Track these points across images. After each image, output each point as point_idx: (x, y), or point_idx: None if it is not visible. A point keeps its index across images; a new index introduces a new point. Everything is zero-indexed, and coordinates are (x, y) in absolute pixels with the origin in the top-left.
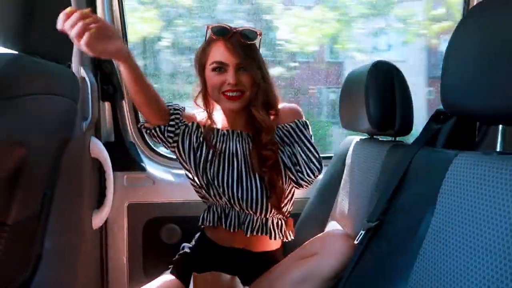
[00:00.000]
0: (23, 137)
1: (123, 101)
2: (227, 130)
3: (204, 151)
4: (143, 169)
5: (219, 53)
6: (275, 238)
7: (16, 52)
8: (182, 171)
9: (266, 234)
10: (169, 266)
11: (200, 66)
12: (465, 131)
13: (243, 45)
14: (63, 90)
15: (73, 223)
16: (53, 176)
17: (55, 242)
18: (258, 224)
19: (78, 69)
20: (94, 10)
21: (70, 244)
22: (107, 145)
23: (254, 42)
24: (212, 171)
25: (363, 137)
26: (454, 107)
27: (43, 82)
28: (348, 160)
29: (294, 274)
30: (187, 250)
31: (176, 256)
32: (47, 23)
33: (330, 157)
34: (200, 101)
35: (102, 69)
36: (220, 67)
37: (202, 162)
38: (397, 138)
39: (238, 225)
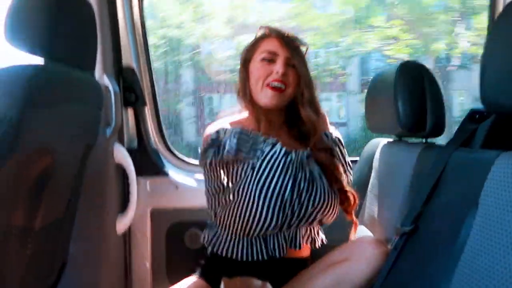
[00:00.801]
0: (49, 144)
1: (145, 108)
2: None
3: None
4: (165, 174)
5: (271, 44)
6: (316, 246)
7: (42, 59)
8: None
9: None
10: (196, 270)
11: (246, 59)
12: (505, 130)
13: (295, 44)
14: (88, 97)
15: (97, 228)
16: (78, 183)
17: (80, 247)
18: (299, 236)
19: (101, 77)
20: (114, 15)
21: (95, 249)
22: (130, 151)
23: (304, 46)
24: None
25: (391, 140)
26: (494, 105)
27: (69, 90)
28: (375, 164)
29: (324, 280)
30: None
31: (203, 260)
32: (71, 31)
33: (355, 161)
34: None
35: (124, 77)
36: (270, 58)
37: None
38: (428, 140)
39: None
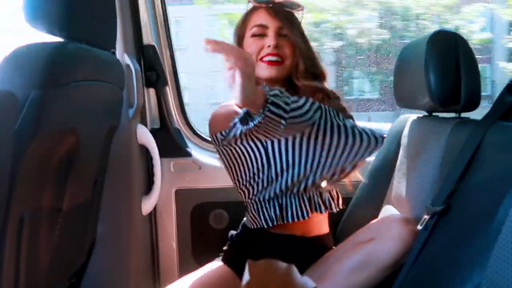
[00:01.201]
0: (73, 124)
1: (167, 87)
2: None
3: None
4: (189, 155)
5: (260, 17)
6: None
7: (62, 40)
8: None
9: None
10: (220, 254)
11: (239, 37)
12: None
13: (285, 11)
14: (110, 77)
15: (123, 209)
16: (103, 164)
17: (107, 228)
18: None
19: (122, 56)
20: (136, 12)
21: (122, 230)
22: (153, 131)
23: (297, 11)
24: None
25: (420, 115)
26: None
27: (90, 69)
28: (403, 140)
29: (350, 260)
30: (235, 238)
31: (226, 246)
32: (91, 11)
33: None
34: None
35: (145, 56)
36: (261, 33)
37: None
38: (462, 115)
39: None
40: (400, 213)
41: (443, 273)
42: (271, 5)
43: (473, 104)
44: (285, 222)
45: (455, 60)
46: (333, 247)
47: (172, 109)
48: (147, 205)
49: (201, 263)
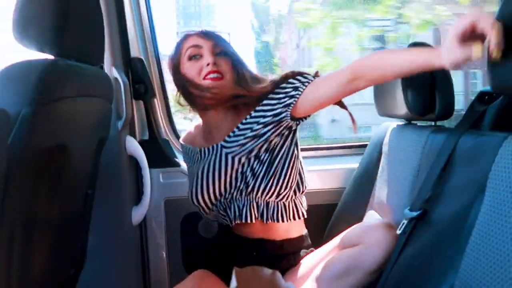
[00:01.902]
0: (64, 139)
1: (155, 99)
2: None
3: None
4: (177, 165)
5: (192, 40)
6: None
7: (52, 57)
8: None
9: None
10: (211, 258)
11: (175, 66)
12: None
13: (214, 32)
14: (99, 91)
15: (113, 220)
16: (93, 176)
17: (98, 239)
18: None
19: (110, 70)
20: (121, 7)
21: (112, 241)
22: (141, 143)
23: (226, 34)
24: None
25: (400, 123)
26: (502, 86)
27: (80, 85)
28: (385, 147)
29: (335, 266)
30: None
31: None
32: (79, 28)
33: (365, 145)
34: (182, 100)
35: (133, 69)
36: (196, 53)
37: None
38: (438, 123)
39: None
40: (382, 218)
41: (420, 276)
42: (200, 32)
43: (448, 113)
44: (233, 223)
45: (430, 72)
46: (312, 248)
47: (160, 120)
48: (137, 216)
49: (191, 272)
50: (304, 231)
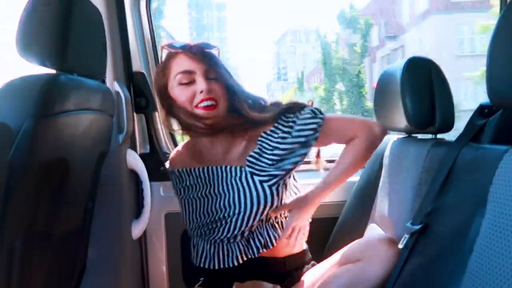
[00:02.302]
0: (65, 153)
1: (156, 113)
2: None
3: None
4: None
5: (182, 63)
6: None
7: (54, 71)
8: None
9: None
10: (200, 279)
11: (162, 87)
12: None
13: (206, 52)
14: (100, 105)
15: (114, 234)
16: (93, 189)
17: (98, 253)
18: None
19: (112, 84)
20: (123, 21)
21: (112, 255)
22: (142, 156)
23: (215, 49)
24: None
25: (401, 136)
26: (501, 99)
27: (81, 99)
28: (385, 161)
29: (338, 283)
30: None
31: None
32: (80, 42)
33: None
34: (169, 118)
35: (134, 82)
36: (188, 80)
37: None
38: (438, 136)
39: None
40: (383, 231)
41: None
42: (188, 49)
43: (447, 126)
44: (224, 266)
45: (429, 85)
46: (314, 262)
47: (161, 134)
48: (137, 229)
49: (191, 286)
50: (305, 245)
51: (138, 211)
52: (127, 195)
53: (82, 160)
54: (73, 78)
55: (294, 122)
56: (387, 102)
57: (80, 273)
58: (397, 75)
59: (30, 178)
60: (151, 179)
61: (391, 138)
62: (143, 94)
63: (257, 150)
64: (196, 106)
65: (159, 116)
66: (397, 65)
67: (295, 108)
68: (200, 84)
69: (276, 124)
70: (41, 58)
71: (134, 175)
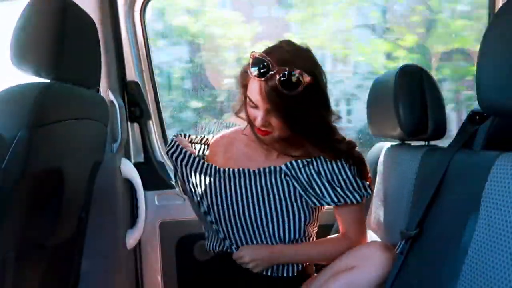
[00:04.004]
0: (59, 162)
1: (150, 122)
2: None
3: None
4: (173, 187)
5: (253, 90)
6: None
7: (48, 80)
8: None
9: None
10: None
11: (244, 86)
12: (506, 131)
13: (278, 91)
14: (94, 114)
15: (108, 243)
16: (87, 199)
17: (92, 263)
18: None
19: (106, 93)
20: (117, 31)
21: (106, 265)
22: (136, 165)
23: (293, 92)
24: None
25: (394, 143)
26: (491, 106)
27: (76, 108)
28: (379, 168)
29: None
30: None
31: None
32: (75, 52)
33: None
34: (242, 114)
35: (128, 91)
36: (253, 106)
37: None
38: (431, 142)
39: None
40: (379, 238)
41: None
42: (265, 79)
43: (440, 133)
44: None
45: (421, 93)
46: (314, 273)
47: (156, 143)
48: (131, 239)
49: None
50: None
51: (132, 220)
52: (122, 204)
53: (76, 170)
54: (68, 87)
55: (345, 175)
56: (380, 109)
57: (74, 283)
58: (389, 83)
59: (23, 187)
60: (146, 188)
61: (385, 145)
62: (137, 103)
63: (285, 169)
64: (255, 126)
65: (153, 125)
66: (389, 73)
67: (361, 168)
68: (259, 118)
69: (328, 160)
70: (35, 68)
71: (129, 184)
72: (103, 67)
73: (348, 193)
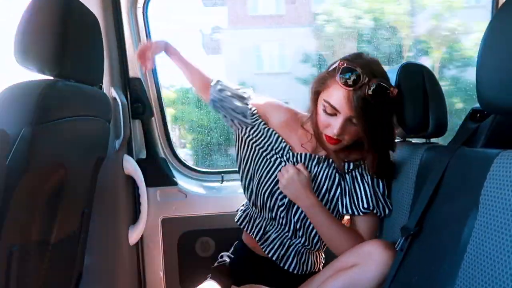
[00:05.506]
0: (62, 159)
1: (153, 118)
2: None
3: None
4: (175, 184)
5: (337, 97)
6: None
7: (52, 78)
8: (213, 184)
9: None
10: (207, 276)
11: (316, 93)
12: (506, 128)
13: (366, 100)
14: (97, 111)
15: (110, 239)
16: (90, 195)
17: (95, 259)
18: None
19: (109, 90)
20: (120, 28)
21: (109, 260)
22: (139, 161)
23: (381, 102)
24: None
25: (395, 141)
26: (491, 104)
27: (79, 105)
28: None
29: (334, 286)
30: (226, 258)
31: (215, 264)
32: (78, 49)
33: None
34: (308, 125)
35: (131, 88)
36: (331, 113)
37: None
38: (431, 140)
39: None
40: (380, 235)
41: None
42: (353, 89)
43: (441, 130)
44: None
45: (422, 91)
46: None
47: (158, 140)
48: (134, 235)
49: None
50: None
51: (135, 217)
52: (124, 201)
53: (79, 166)
54: (71, 84)
55: (379, 189)
56: None
57: (77, 279)
58: (392, 80)
59: (27, 184)
60: (148, 184)
61: None
62: (140, 99)
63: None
64: (325, 134)
65: (155, 121)
66: (391, 71)
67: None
68: (337, 125)
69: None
70: (39, 66)
71: (131, 180)
72: (106, 64)
73: (375, 204)
